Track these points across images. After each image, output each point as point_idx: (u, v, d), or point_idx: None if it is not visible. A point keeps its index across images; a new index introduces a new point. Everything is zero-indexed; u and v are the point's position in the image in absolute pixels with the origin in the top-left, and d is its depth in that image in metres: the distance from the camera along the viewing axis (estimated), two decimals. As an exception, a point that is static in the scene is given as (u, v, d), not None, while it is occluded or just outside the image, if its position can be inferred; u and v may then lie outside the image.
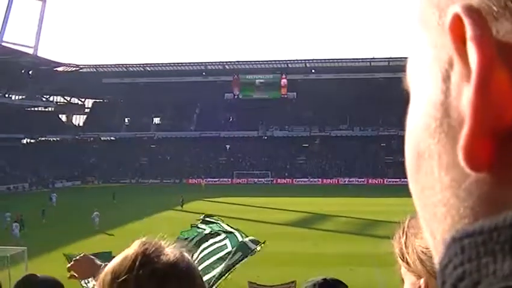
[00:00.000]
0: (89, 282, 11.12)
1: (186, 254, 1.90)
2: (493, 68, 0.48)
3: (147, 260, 1.79)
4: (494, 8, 0.49)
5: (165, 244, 1.89)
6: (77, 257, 3.61)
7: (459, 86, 0.51)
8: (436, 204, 0.54)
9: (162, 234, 1.95)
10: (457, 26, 0.50)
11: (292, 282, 13.33)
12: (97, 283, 1.89)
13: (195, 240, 9.89)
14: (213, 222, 10.92)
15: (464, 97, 0.50)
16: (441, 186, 0.53)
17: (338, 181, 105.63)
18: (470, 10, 0.49)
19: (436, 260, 0.52)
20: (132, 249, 1.84)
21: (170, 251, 1.85)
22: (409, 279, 1.89)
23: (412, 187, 0.58)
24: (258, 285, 28.30)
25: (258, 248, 10.23)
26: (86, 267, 3.62)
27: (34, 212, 54.40)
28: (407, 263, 1.87)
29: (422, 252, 1.77)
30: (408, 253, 1.87)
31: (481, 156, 0.49)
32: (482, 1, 0.50)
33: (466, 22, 0.49)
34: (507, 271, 0.42)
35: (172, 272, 1.79)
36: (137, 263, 1.78)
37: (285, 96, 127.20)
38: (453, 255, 0.47)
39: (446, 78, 0.52)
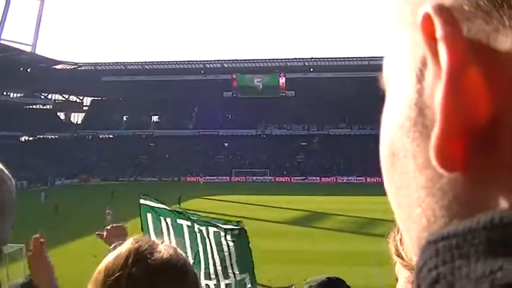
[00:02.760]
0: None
1: (179, 251, 1.88)
2: (464, 68, 0.47)
3: (140, 258, 1.77)
4: (466, 8, 0.49)
5: (159, 241, 1.88)
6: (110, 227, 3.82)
7: (433, 85, 0.50)
8: (411, 204, 0.54)
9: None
10: (428, 25, 0.50)
11: (291, 285, 13.25)
12: (90, 282, 1.90)
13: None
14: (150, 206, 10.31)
15: (437, 97, 0.49)
16: (416, 185, 0.53)
17: (336, 179, 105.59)
18: (440, 9, 0.49)
19: (414, 260, 0.52)
20: (125, 246, 1.82)
21: (163, 248, 1.83)
22: (403, 275, 1.92)
23: (387, 186, 0.58)
24: (258, 284, 28.21)
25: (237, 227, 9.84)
26: (115, 234, 3.78)
27: (33, 209, 54.27)
28: (402, 258, 1.90)
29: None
30: (403, 249, 1.89)
31: (453, 156, 0.48)
32: (454, 0, 0.50)
33: (436, 21, 0.49)
34: (479, 273, 0.42)
35: (165, 269, 1.78)
36: (130, 261, 1.76)
37: (284, 94, 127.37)
38: (428, 258, 0.47)
39: (421, 77, 0.52)
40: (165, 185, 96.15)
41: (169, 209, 9.57)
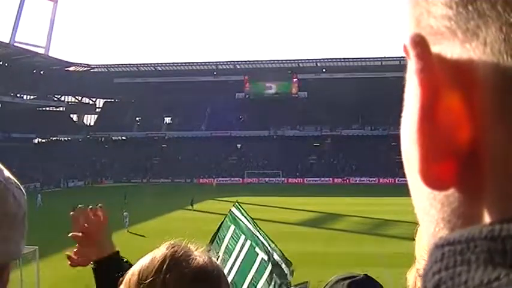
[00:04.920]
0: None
1: (214, 259, 1.86)
2: (437, 98, 0.50)
3: (175, 263, 1.76)
4: (446, 30, 0.51)
5: (194, 247, 1.86)
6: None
7: None
8: (420, 210, 0.57)
9: (187, 240, 1.95)
10: (408, 55, 0.53)
11: (305, 282, 13.15)
12: (123, 282, 1.88)
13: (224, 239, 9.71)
14: (238, 218, 10.58)
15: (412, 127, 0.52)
16: (422, 195, 0.56)
17: (349, 180, 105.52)
18: (415, 42, 0.51)
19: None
20: (160, 251, 1.82)
21: (199, 255, 1.82)
22: None
23: (410, 188, 0.59)
24: None
25: (290, 278, 10.04)
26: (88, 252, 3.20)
27: (46, 211, 54.36)
28: None
29: None
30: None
31: (438, 178, 0.51)
32: (437, 22, 0.52)
33: (411, 54, 0.51)
34: (477, 281, 0.43)
35: (200, 277, 1.76)
36: (165, 266, 1.75)
37: (296, 95, 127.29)
38: (434, 262, 0.49)
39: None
40: (178, 187, 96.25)
41: (254, 231, 9.67)
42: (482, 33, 0.48)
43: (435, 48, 0.52)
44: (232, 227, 10.03)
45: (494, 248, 0.45)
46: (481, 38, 0.48)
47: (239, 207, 10.51)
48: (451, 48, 0.51)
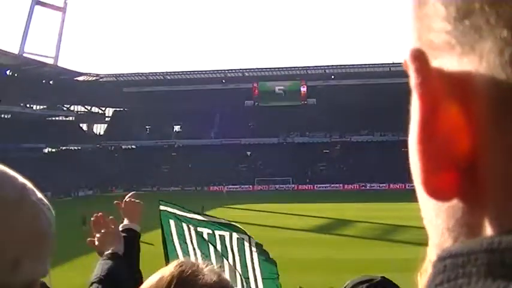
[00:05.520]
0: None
1: (223, 276, 1.85)
2: (436, 110, 0.51)
3: (182, 283, 1.74)
4: (445, 44, 0.53)
5: (203, 265, 1.84)
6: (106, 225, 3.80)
7: None
8: (427, 220, 0.59)
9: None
10: (408, 69, 0.54)
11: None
12: None
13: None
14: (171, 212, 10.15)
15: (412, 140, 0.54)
16: (428, 205, 0.57)
17: (359, 187, 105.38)
18: (414, 57, 0.53)
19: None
20: (168, 270, 1.80)
21: (207, 274, 1.80)
22: None
23: (417, 196, 0.60)
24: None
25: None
26: (109, 240, 3.71)
27: (59, 220, 54.37)
28: None
29: None
30: None
31: (442, 189, 0.52)
32: (436, 36, 0.54)
33: (411, 69, 0.53)
34: None
35: None
36: (172, 285, 1.74)
37: (305, 102, 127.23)
38: (437, 273, 0.51)
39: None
40: (188, 195, 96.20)
41: (190, 216, 9.33)
42: (479, 47, 0.50)
43: (435, 63, 0.54)
44: (172, 222, 9.79)
45: (494, 260, 0.46)
46: (477, 51, 0.50)
47: (166, 202, 10.20)
48: (450, 61, 0.52)
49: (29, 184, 1.21)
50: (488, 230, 0.50)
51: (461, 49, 0.51)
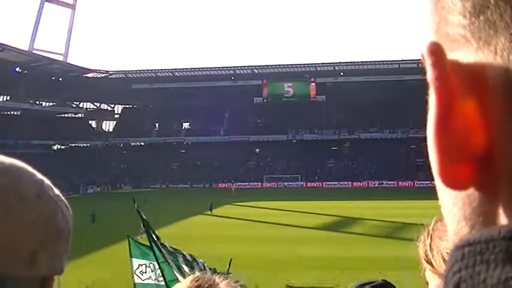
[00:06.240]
0: (146, 272, 11.09)
1: None
2: (452, 104, 0.53)
3: None
4: (462, 38, 0.55)
5: (219, 280, 1.82)
6: None
7: None
8: (445, 209, 0.61)
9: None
10: (425, 63, 0.55)
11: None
12: None
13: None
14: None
15: (429, 132, 0.57)
16: (446, 194, 0.59)
17: (368, 184, 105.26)
18: (431, 51, 0.54)
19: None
20: (184, 284, 1.80)
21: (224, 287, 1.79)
22: (433, 281, 1.90)
23: (436, 185, 0.61)
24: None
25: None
26: None
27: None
28: (432, 265, 1.89)
29: (448, 254, 1.69)
30: (433, 255, 1.89)
31: (458, 179, 0.55)
32: (453, 30, 0.56)
33: (427, 63, 0.54)
34: (495, 280, 0.46)
35: None
36: None
37: (314, 99, 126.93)
38: (455, 262, 0.52)
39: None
40: (197, 192, 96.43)
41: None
42: (493, 42, 0.51)
43: (452, 56, 0.55)
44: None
45: None
46: (492, 46, 0.52)
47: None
48: (466, 55, 0.54)
49: (47, 181, 1.26)
50: (504, 219, 0.52)
51: (477, 44, 0.53)
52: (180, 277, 9.00)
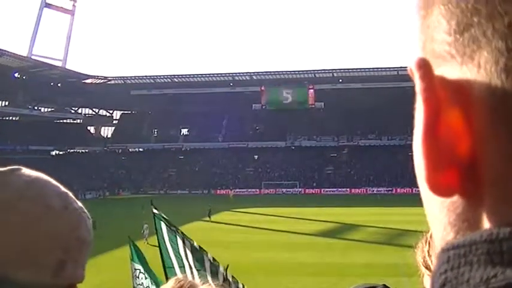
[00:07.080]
0: (140, 277, 10.96)
1: None
2: (439, 114, 0.56)
3: None
4: (447, 54, 0.57)
5: (200, 283, 1.84)
6: None
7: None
8: (431, 216, 0.63)
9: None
10: (413, 76, 0.59)
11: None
12: None
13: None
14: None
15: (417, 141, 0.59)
16: (432, 202, 0.62)
17: (366, 191, 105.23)
18: (419, 66, 0.58)
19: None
20: (169, 286, 1.82)
21: None
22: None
23: (421, 193, 0.64)
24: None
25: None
26: None
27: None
28: (430, 271, 1.88)
29: None
30: (432, 261, 1.91)
31: (444, 186, 0.57)
32: (439, 47, 0.58)
33: (416, 76, 0.58)
34: (478, 279, 0.50)
35: None
36: None
37: (313, 106, 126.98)
38: (441, 264, 0.55)
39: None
40: (195, 198, 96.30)
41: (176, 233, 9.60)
42: (477, 56, 0.54)
43: (438, 71, 0.58)
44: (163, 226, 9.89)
45: (493, 249, 0.51)
46: (475, 60, 0.54)
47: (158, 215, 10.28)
48: (451, 70, 0.57)
49: (70, 193, 1.31)
50: (487, 224, 0.55)
51: (461, 58, 0.56)
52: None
